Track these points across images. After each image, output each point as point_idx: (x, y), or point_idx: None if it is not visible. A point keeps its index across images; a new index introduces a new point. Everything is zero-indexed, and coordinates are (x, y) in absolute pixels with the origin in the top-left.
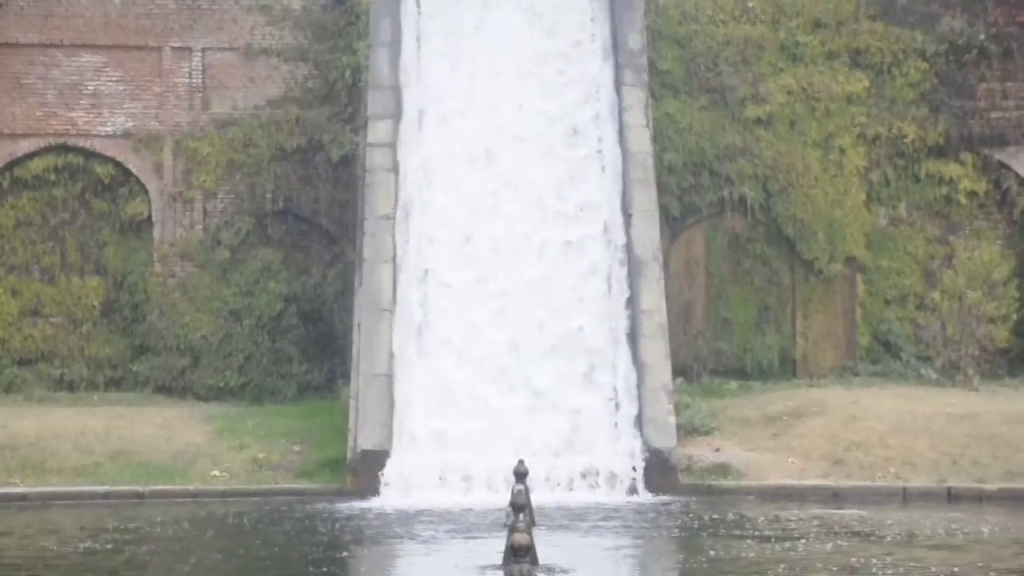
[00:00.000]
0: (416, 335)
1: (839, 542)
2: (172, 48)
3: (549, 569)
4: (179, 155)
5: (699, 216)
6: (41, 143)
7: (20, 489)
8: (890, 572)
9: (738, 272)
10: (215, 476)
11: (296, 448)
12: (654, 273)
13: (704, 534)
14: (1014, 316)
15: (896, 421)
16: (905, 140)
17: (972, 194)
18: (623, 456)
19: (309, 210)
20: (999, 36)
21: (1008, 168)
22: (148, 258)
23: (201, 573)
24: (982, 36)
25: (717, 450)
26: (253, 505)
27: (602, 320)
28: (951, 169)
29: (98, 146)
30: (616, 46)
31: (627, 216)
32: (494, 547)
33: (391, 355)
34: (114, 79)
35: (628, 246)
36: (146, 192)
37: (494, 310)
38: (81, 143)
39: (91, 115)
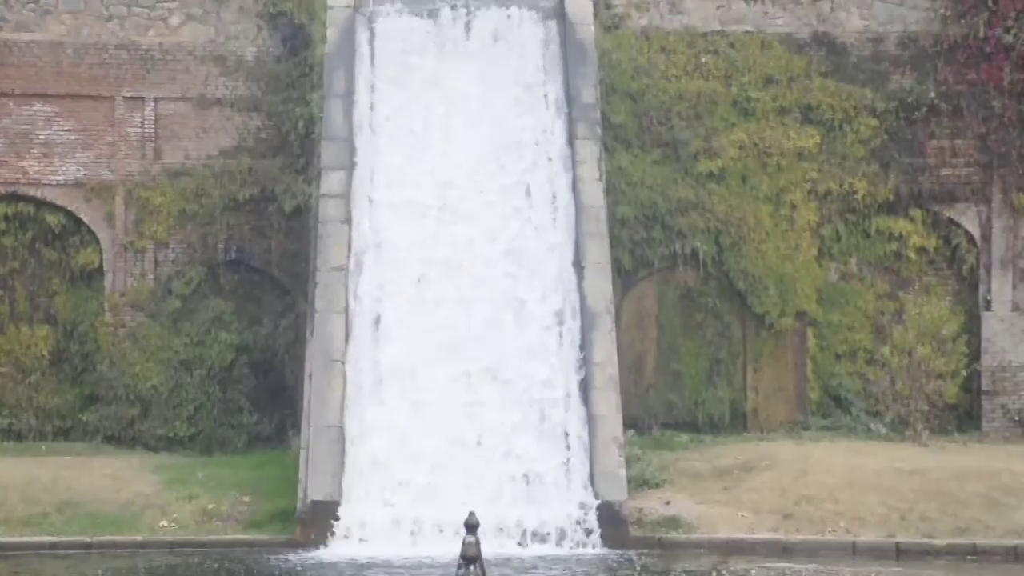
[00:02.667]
0: (368, 386)
1: None
2: (124, 98)
3: None
4: (131, 204)
5: (651, 269)
6: None
7: None
8: None
9: (690, 325)
10: (164, 527)
11: (246, 499)
12: (606, 326)
13: None
14: (963, 372)
15: (846, 476)
16: (856, 196)
17: (922, 250)
18: (574, 508)
19: (261, 260)
20: (948, 94)
21: (957, 225)
22: (99, 307)
23: None
24: (932, 94)
25: (668, 503)
26: (202, 556)
27: (554, 372)
28: (901, 225)
29: (49, 195)
30: (569, 99)
31: (579, 269)
32: None
33: (342, 406)
34: (66, 128)
35: (580, 298)
36: (97, 241)
37: (446, 361)
38: (32, 192)
39: (42, 164)
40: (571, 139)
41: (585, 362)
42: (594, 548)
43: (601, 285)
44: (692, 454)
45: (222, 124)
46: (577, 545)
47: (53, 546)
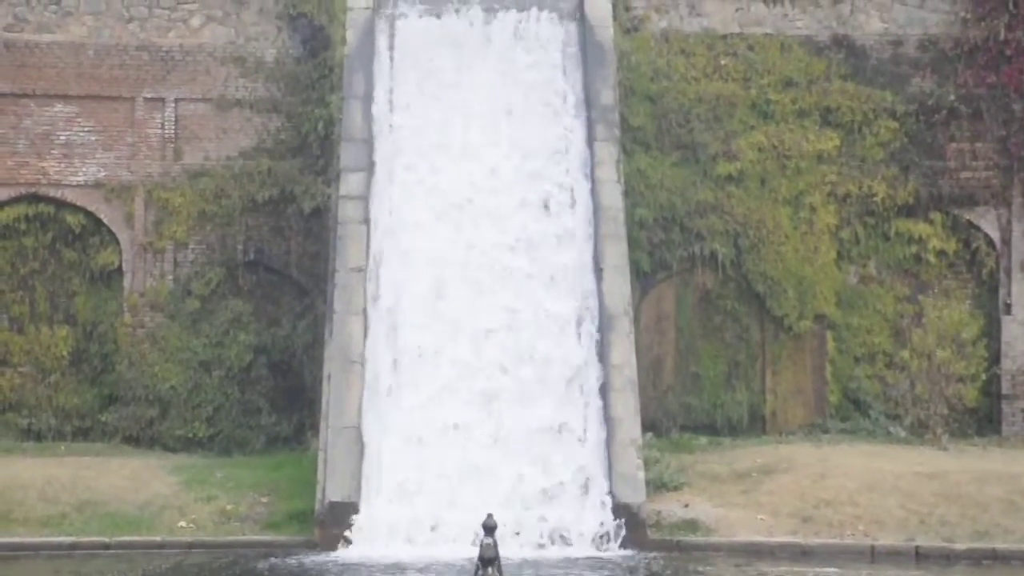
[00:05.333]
0: (386, 387)
1: None
2: (145, 99)
3: None
4: (150, 205)
5: (670, 271)
6: (12, 193)
7: None
8: None
9: (708, 328)
10: (182, 527)
11: (264, 500)
12: (624, 328)
13: None
14: (983, 375)
15: (865, 479)
16: (875, 199)
17: (941, 253)
18: (592, 511)
19: (280, 261)
20: (968, 97)
21: (977, 228)
22: (118, 308)
23: None
24: (952, 97)
25: (686, 506)
26: (220, 557)
27: (572, 375)
28: (921, 228)
29: (69, 196)
30: (588, 102)
31: (598, 271)
32: None
33: (360, 407)
34: (86, 129)
35: (599, 300)
36: (117, 242)
37: (464, 362)
38: (52, 193)
39: (63, 165)
40: (590, 141)
41: (603, 364)
42: (612, 551)
43: (619, 287)
44: (710, 457)
45: (242, 125)
46: (595, 547)
47: (72, 546)
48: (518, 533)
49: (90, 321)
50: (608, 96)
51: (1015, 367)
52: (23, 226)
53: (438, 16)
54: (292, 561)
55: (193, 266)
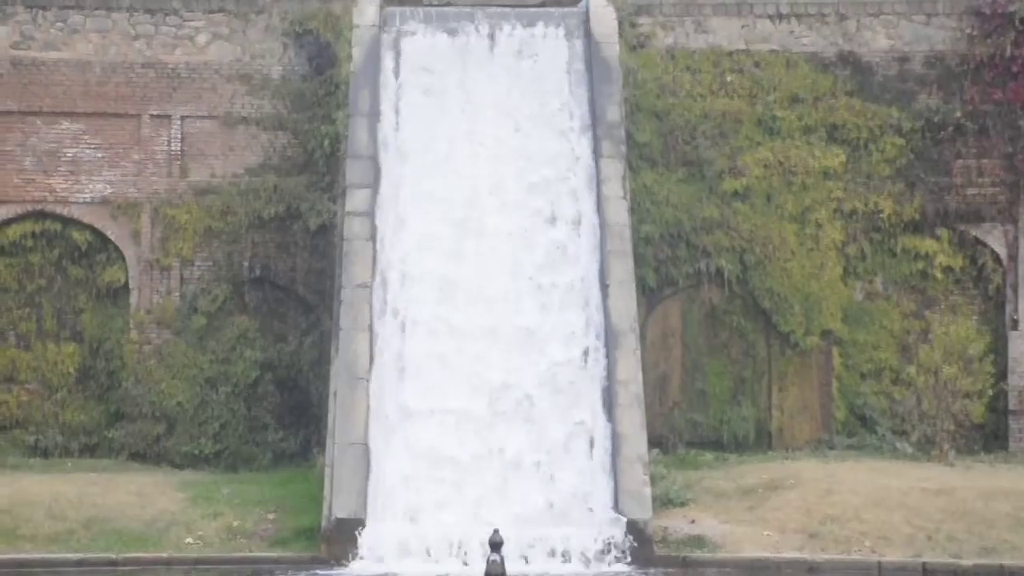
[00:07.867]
0: (392, 404)
1: None
2: (151, 116)
3: None
4: (157, 222)
5: (676, 288)
6: (19, 210)
7: None
8: None
9: (714, 344)
10: (189, 544)
11: (271, 516)
12: (631, 344)
13: None
14: (989, 391)
15: (871, 495)
16: (881, 215)
17: (948, 269)
18: (599, 527)
19: (286, 278)
20: (975, 114)
21: (984, 244)
22: (124, 325)
23: None
24: (958, 113)
25: (692, 522)
26: (227, 573)
27: (579, 391)
28: (927, 244)
29: (76, 213)
30: (595, 118)
31: (604, 287)
32: None
33: (367, 423)
34: (93, 146)
35: (605, 317)
36: (123, 259)
37: (471, 379)
38: (59, 210)
39: (69, 182)
40: (596, 157)
41: (610, 380)
42: (619, 567)
43: (625, 303)
44: (717, 473)
45: (248, 142)
46: (602, 564)
47: (79, 563)
48: (524, 552)
49: (96, 338)
50: (614, 112)
51: (1022, 383)
52: (30, 243)
53: (444, 33)
54: None
55: (199, 283)
